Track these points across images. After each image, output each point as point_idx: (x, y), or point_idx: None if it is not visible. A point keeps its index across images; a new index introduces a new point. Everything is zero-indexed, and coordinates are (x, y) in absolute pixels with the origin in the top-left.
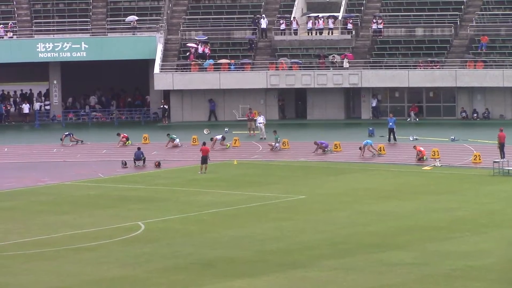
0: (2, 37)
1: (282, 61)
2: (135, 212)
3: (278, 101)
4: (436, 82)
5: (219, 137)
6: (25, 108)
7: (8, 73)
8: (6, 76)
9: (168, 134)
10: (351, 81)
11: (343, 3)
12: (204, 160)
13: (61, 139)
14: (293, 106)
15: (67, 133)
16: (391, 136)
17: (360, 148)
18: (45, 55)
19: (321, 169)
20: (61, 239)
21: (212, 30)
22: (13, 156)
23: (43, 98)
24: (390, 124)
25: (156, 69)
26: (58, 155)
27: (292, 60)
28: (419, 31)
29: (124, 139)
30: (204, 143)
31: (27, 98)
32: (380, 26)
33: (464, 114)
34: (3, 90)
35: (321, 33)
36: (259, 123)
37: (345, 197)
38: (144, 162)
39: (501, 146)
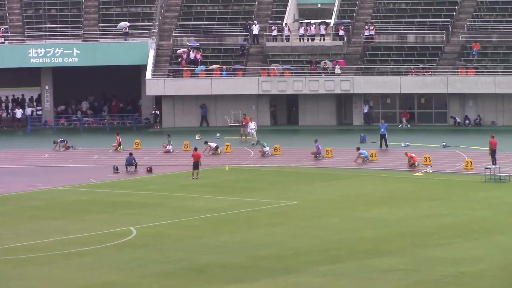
0: None
1: (274, 67)
2: (126, 217)
3: (269, 107)
4: (427, 89)
5: (213, 145)
6: (18, 113)
7: None
8: None
9: (168, 135)
10: (343, 87)
11: (335, 9)
12: (196, 165)
13: (54, 142)
14: (285, 112)
15: (62, 139)
16: (383, 142)
17: (357, 149)
18: (37, 60)
19: (313, 175)
20: (52, 244)
21: (204, 36)
22: (5, 161)
23: (35, 103)
24: (382, 130)
25: (148, 74)
26: (49, 160)
27: (284, 66)
28: (411, 38)
29: (117, 143)
30: (195, 149)
31: (20, 103)
32: (372, 32)
33: (454, 120)
34: None
35: (313, 40)
36: (251, 129)
37: (336, 203)
38: (135, 168)
39: (493, 153)
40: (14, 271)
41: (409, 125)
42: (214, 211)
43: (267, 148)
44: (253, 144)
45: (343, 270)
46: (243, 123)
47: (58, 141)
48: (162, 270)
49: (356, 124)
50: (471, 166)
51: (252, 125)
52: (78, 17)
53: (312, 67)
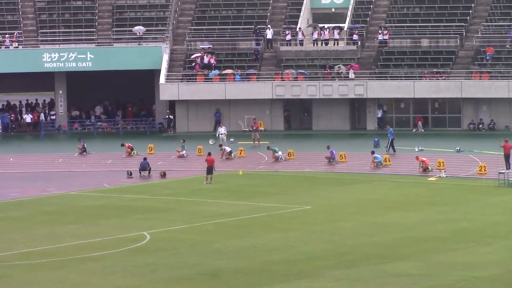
0: (8, 47)
1: (288, 71)
2: (140, 222)
3: (283, 112)
4: (441, 93)
5: (228, 149)
6: (27, 118)
7: (14, 83)
8: (12, 86)
9: (183, 140)
10: (357, 91)
11: (349, 14)
12: (210, 170)
13: (79, 140)
14: (298, 117)
15: (80, 140)
16: (390, 147)
17: (372, 152)
18: (51, 65)
19: (327, 180)
20: (66, 249)
21: (217, 40)
22: (19, 166)
23: (47, 108)
24: (389, 135)
25: (162, 79)
26: (63, 165)
27: (298, 71)
28: (425, 42)
29: (129, 149)
30: (209, 154)
31: (32, 108)
32: (386, 37)
33: (472, 126)
34: (8, 101)
35: (326, 44)
36: (221, 134)
37: (350, 208)
38: (149, 172)
39: (506, 157)
40: (28, 275)
41: (423, 130)
42: (228, 216)
43: (280, 153)
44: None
45: (356, 275)
46: (254, 127)
47: (82, 142)
48: (176, 275)
49: (369, 129)
50: (484, 170)
51: (222, 130)
52: (92, 21)
53: (326, 71)
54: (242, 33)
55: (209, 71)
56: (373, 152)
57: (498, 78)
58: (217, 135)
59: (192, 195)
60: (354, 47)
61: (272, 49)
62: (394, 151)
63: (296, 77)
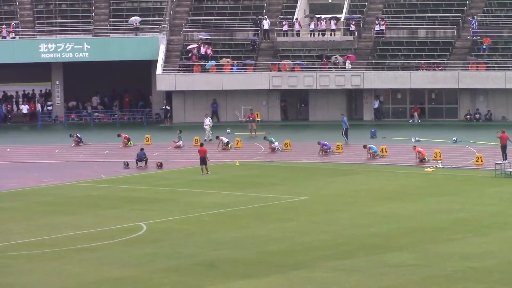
0: (5, 38)
1: (284, 62)
2: (137, 212)
3: (280, 102)
4: (438, 84)
5: (225, 140)
6: (24, 108)
7: (10, 73)
8: (8, 76)
9: (180, 131)
10: (354, 82)
11: (346, 4)
12: (203, 161)
13: (71, 136)
14: (295, 107)
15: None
16: (344, 135)
17: (364, 146)
18: (48, 55)
19: (324, 170)
20: (63, 240)
21: (214, 31)
22: (15, 157)
23: (43, 98)
24: (343, 124)
25: (159, 70)
26: (60, 156)
27: (295, 61)
28: (422, 33)
29: (126, 140)
30: (201, 144)
31: (29, 98)
32: (383, 27)
33: (469, 117)
34: (4, 91)
35: (323, 35)
36: (206, 125)
37: (347, 198)
38: (146, 163)
39: (503, 148)
40: (24, 266)
41: (419, 120)
42: (224, 206)
43: (276, 143)
44: (205, 140)
45: (353, 265)
46: (251, 118)
47: (75, 135)
48: (173, 265)
49: (366, 120)
50: (481, 161)
51: (207, 121)
52: (88, 12)
53: (323, 62)
54: (239, 23)
55: (206, 61)
56: (365, 146)
57: (495, 69)
58: (203, 126)
59: (188, 185)
60: (351, 38)
61: (269, 40)
62: (346, 140)
63: (293, 68)
